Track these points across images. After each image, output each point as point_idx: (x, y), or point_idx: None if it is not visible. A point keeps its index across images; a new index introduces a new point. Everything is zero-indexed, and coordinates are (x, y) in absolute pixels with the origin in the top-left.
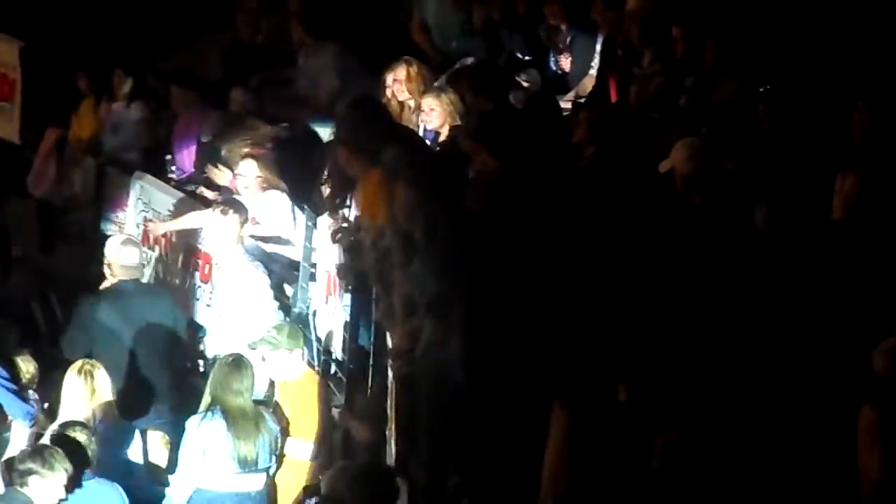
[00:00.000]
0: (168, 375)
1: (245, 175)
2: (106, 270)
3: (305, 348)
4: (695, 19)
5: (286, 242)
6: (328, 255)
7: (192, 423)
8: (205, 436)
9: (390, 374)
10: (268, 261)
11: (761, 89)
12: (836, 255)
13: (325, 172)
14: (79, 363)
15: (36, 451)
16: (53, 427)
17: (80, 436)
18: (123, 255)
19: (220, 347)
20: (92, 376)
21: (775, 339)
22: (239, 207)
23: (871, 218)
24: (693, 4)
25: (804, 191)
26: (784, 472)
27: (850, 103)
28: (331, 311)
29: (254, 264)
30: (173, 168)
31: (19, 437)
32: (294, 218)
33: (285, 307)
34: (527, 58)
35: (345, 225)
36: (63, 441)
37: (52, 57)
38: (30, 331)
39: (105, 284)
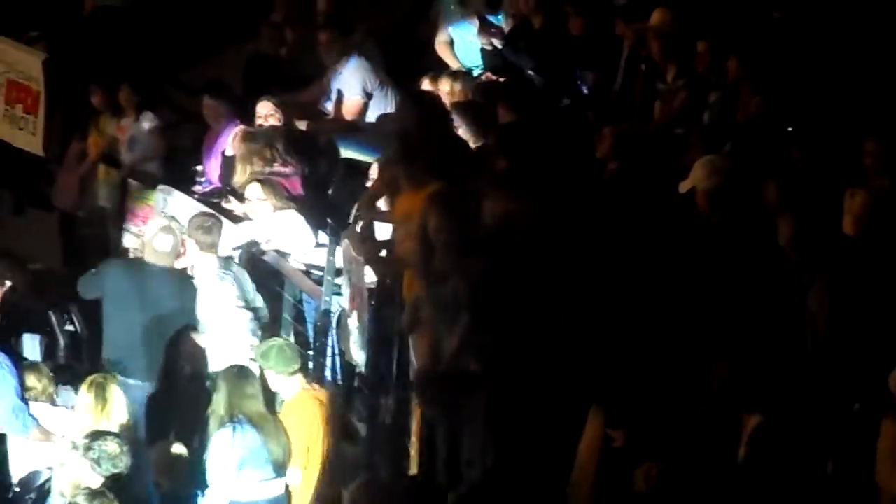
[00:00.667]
0: (161, 358)
1: (251, 199)
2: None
3: (324, 363)
4: (718, 35)
5: (304, 260)
6: (354, 270)
7: (222, 437)
8: (240, 448)
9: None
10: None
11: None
12: (852, 271)
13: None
14: (91, 377)
15: (95, 495)
16: (82, 439)
17: (112, 446)
18: (157, 240)
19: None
20: (103, 389)
21: (798, 354)
22: (211, 221)
23: (881, 235)
24: (716, 20)
25: (826, 206)
26: (804, 486)
27: (865, 123)
28: (354, 325)
29: (219, 275)
30: (201, 179)
31: (27, 451)
32: (316, 233)
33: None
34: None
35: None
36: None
37: (75, 69)
38: (50, 344)
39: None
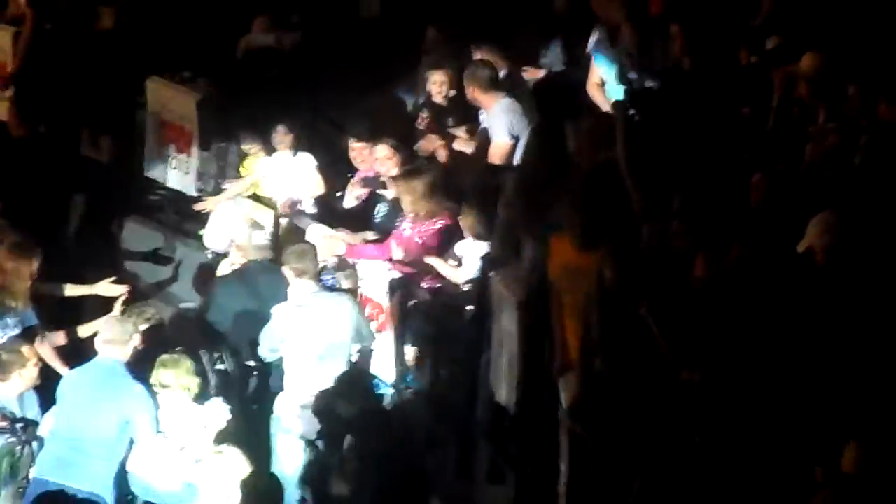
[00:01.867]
0: None
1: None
2: (236, 254)
3: None
4: (869, 78)
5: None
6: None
7: None
8: None
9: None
10: None
11: None
12: None
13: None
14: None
15: None
16: None
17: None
18: (254, 237)
19: None
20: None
21: None
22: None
23: None
24: (866, 63)
25: None
26: None
27: None
28: (503, 364)
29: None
30: None
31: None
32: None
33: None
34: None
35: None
36: None
37: (228, 109)
38: (202, 383)
39: (232, 266)
